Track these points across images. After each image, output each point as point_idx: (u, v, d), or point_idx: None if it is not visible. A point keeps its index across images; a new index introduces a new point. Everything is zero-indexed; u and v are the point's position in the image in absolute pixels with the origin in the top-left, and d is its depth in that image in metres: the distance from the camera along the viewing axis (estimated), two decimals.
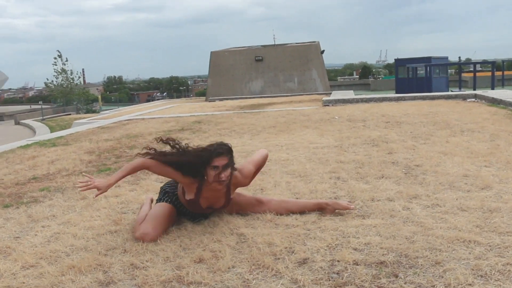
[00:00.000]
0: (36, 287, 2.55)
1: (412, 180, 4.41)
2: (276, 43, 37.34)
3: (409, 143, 6.31)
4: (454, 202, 3.68)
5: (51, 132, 27.58)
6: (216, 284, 2.45)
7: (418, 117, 9.14)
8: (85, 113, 46.86)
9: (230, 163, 3.21)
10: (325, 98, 14.65)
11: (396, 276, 2.41)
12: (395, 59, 39.45)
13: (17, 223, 3.80)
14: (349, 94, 18.86)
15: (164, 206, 3.38)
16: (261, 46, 36.22)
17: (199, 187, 3.27)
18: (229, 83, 33.04)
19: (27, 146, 8.70)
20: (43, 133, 27.37)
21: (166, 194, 3.52)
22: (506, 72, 41.52)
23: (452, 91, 28.67)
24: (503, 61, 42.88)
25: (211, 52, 33.72)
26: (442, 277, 2.38)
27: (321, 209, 3.53)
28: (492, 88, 26.42)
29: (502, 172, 4.55)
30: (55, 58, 52.87)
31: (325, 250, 2.80)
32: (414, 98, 13.58)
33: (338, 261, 2.63)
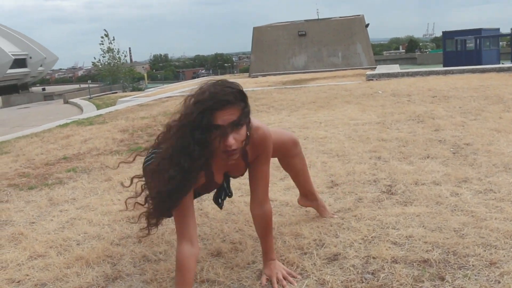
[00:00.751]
0: (39, 281, 2.34)
1: (461, 161, 3.97)
2: (319, 18, 36.40)
3: (458, 119, 5.81)
4: (511, 187, 3.25)
5: (98, 109, 28.10)
6: (232, 283, 2.16)
7: (468, 91, 8.52)
8: (131, 91, 47.42)
9: (242, 118, 1.91)
10: (369, 72, 14.04)
11: (443, 279, 2.03)
12: (442, 32, 37.74)
13: (36, 207, 3.63)
14: (395, 68, 18.08)
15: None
16: (304, 20, 35.41)
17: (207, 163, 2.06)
18: (272, 58, 32.54)
19: (65, 125, 8.65)
20: (90, 111, 27.86)
21: None
22: None
23: (503, 63, 27.24)
24: None
25: (253, 27, 33.23)
26: (499, 282, 1.98)
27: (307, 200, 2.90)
28: None
29: None
30: (102, 38, 53.53)
31: (360, 244, 2.44)
32: (462, 72, 12.82)
33: (373, 258, 2.27)
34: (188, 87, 19.65)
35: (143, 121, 8.05)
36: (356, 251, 2.36)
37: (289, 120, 6.73)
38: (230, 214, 3.04)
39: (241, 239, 2.60)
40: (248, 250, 2.46)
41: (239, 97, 1.92)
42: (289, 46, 32.54)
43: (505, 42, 49.51)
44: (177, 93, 14.82)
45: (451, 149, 4.38)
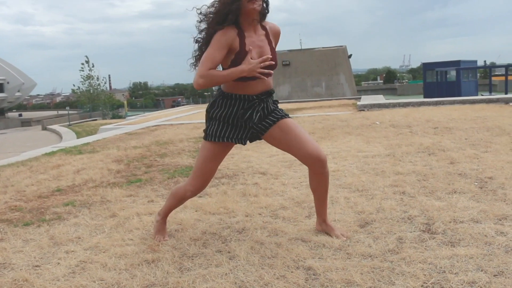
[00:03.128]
0: None
1: (491, 196, 3.76)
2: (302, 48, 36.71)
3: (469, 151, 5.64)
4: None
5: (77, 137, 27.52)
6: None
7: (466, 122, 8.44)
8: (111, 118, 46.88)
9: None
10: (360, 102, 13.97)
11: None
12: (423, 63, 38.51)
13: (37, 247, 3.27)
14: (380, 98, 18.12)
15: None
16: (288, 50, 35.63)
17: (240, 34, 2.76)
18: None
19: (52, 153, 8.26)
20: (70, 138, 27.29)
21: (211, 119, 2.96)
22: None
23: (482, 95, 27.69)
24: None
25: None
26: None
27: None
28: None
29: None
30: (83, 64, 53.21)
31: None
32: (453, 102, 12.86)
33: None
34: (171, 115, 19.34)
35: (136, 151, 7.72)
36: None
37: None
38: (264, 257, 2.73)
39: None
40: None
41: None
42: (273, 76, 32.60)
43: (479, 74, 50.71)
44: (162, 121, 14.51)
45: (475, 183, 4.18)
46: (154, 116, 22.08)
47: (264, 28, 2.91)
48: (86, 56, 53.96)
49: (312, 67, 31.52)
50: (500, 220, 3.19)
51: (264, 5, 2.82)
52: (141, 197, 4.52)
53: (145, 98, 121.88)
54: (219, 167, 5.60)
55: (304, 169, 5.16)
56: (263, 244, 2.91)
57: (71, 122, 39.60)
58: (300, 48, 36.62)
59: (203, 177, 2.99)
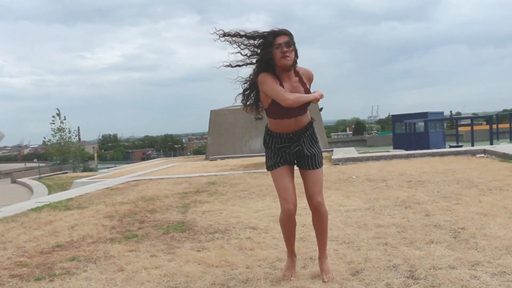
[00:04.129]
0: None
1: (464, 245, 4.22)
2: None
3: (442, 203, 6.16)
4: None
5: (49, 190, 27.25)
6: None
7: (438, 175, 9.03)
8: (82, 171, 46.54)
9: (292, 41, 3.33)
10: (334, 156, 14.56)
11: None
12: (392, 115, 39.89)
13: None
14: (352, 151, 18.83)
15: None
16: None
17: (277, 79, 3.36)
18: (229, 141, 33.06)
19: (38, 209, 8.45)
20: (41, 191, 26.99)
21: (274, 154, 3.61)
22: (499, 126, 42.03)
23: (450, 146, 28.86)
24: (497, 115, 43.51)
25: (211, 110, 33.92)
26: None
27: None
28: (491, 143, 26.59)
29: None
30: (54, 117, 53.12)
31: None
32: (423, 155, 13.54)
33: None
34: (146, 169, 19.56)
35: (124, 207, 7.99)
36: None
37: (276, 207, 6.88)
38: None
39: None
40: None
41: (289, 33, 3.35)
42: (246, 130, 33.27)
43: (445, 124, 52.61)
44: (139, 176, 14.74)
45: (450, 234, 4.64)
46: (128, 170, 22.21)
47: (297, 73, 3.48)
48: (57, 109, 53.99)
49: None
50: (473, 266, 3.64)
51: (294, 56, 3.38)
52: (142, 252, 4.82)
53: (115, 150, 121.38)
54: (211, 223, 5.97)
55: None
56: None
57: (41, 175, 39.15)
58: None
59: (285, 192, 3.55)
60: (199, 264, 4.18)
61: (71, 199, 10.00)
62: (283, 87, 3.34)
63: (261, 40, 3.37)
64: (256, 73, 3.45)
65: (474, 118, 32.03)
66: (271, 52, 3.32)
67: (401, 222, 5.24)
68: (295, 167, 3.70)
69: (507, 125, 39.83)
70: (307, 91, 3.47)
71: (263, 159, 20.55)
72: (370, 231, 4.96)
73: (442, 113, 38.86)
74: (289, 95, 3.24)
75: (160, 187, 10.69)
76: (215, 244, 4.91)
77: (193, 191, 9.42)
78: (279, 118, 3.45)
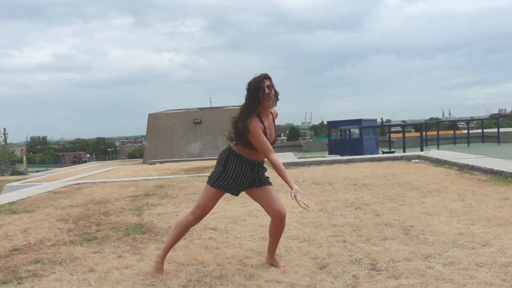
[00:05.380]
0: None
1: (415, 241, 4.61)
2: (212, 106, 37.84)
3: (389, 204, 6.58)
4: (467, 259, 3.92)
5: None
6: None
7: (379, 179, 9.54)
8: (11, 174, 44.48)
9: (272, 84, 3.80)
10: None
11: None
12: (327, 122, 41.05)
13: None
14: (291, 156, 19.32)
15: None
16: (198, 109, 36.55)
17: (261, 120, 3.75)
18: (167, 145, 32.88)
19: None
20: None
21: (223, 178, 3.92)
22: (428, 133, 44.40)
23: (383, 151, 30.13)
24: (425, 123, 45.88)
25: (149, 114, 33.61)
26: None
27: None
28: (421, 149, 28.04)
29: (490, 229, 4.88)
30: None
31: None
32: (362, 160, 14.15)
33: None
34: (84, 173, 19.13)
35: (76, 210, 7.89)
36: None
37: (232, 209, 7.07)
38: None
39: None
40: None
41: (269, 77, 3.80)
42: (184, 134, 33.21)
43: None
44: (78, 179, 14.44)
45: (401, 231, 5.03)
46: (62, 173, 21.58)
47: (270, 112, 3.89)
48: None
49: (223, 125, 32.48)
50: (426, 258, 4.02)
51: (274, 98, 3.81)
52: (108, 253, 4.86)
53: (44, 153, 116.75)
54: (169, 225, 6.08)
55: (249, 225, 5.80)
56: (246, 286, 3.47)
57: None
58: (210, 106, 37.69)
59: (204, 209, 3.99)
60: (169, 263, 4.31)
61: (13, 202, 9.70)
62: (264, 127, 3.76)
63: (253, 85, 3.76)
64: (246, 116, 3.74)
65: (405, 126, 33.61)
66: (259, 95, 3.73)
67: (355, 222, 5.58)
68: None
69: (435, 133, 42.18)
70: (275, 129, 4.01)
71: (203, 163, 20.73)
72: (327, 230, 5.26)
73: (375, 120, 40.47)
74: (274, 157, 3.72)
75: (107, 191, 10.58)
76: (179, 244, 5.02)
77: (142, 194, 9.42)
78: (254, 150, 3.81)
